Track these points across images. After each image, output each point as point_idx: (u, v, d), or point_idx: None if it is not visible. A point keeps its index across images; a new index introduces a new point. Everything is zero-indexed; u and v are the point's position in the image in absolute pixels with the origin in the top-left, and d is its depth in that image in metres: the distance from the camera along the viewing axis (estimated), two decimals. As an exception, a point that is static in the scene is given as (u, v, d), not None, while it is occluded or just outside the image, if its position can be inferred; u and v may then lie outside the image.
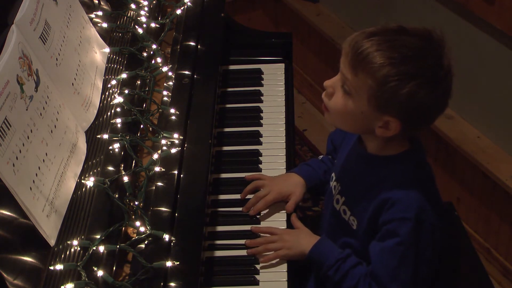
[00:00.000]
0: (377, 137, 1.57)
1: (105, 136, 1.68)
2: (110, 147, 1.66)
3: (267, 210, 1.82)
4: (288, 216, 1.81)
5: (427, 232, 1.54)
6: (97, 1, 2.05)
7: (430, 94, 1.46)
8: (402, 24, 1.51)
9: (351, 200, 1.66)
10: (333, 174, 1.76)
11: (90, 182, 1.57)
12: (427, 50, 1.47)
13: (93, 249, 1.44)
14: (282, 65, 2.28)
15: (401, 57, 1.45)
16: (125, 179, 1.58)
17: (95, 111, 1.77)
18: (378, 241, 1.57)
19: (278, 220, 1.80)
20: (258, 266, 1.68)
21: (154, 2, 2.13)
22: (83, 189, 1.58)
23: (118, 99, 1.76)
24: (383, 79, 1.45)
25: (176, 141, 1.72)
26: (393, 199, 1.54)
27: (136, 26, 1.99)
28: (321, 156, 1.93)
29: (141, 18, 2.03)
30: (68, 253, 1.45)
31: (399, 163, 1.58)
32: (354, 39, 1.51)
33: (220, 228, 1.77)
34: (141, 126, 1.76)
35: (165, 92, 1.87)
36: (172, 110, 1.79)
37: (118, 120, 1.72)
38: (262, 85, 2.20)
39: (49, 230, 1.45)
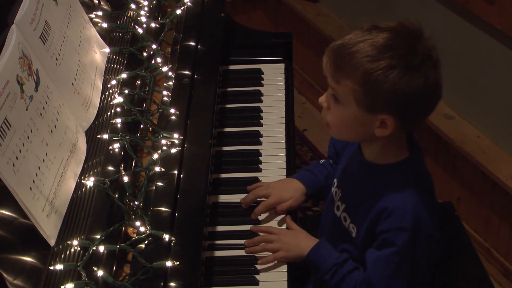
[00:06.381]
0: (374, 143, 1.57)
1: (105, 136, 1.68)
2: (110, 147, 1.66)
3: (267, 214, 1.81)
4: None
5: (423, 242, 1.53)
6: (97, 1, 2.05)
7: (411, 82, 1.45)
8: (374, 23, 1.52)
9: (351, 207, 1.66)
10: (335, 180, 1.75)
11: (90, 182, 1.57)
12: (397, 40, 1.47)
13: (93, 249, 1.44)
14: (282, 65, 2.28)
15: (374, 53, 1.45)
16: (125, 179, 1.58)
17: (95, 111, 1.77)
18: (374, 249, 1.57)
19: (277, 221, 1.80)
20: (258, 266, 1.68)
21: (154, 2, 2.13)
22: (83, 189, 1.58)
23: (118, 99, 1.76)
24: (362, 78, 1.46)
25: (176, 141, 1.72)
26: (391, 209, 1.54)
27: (136, 26, 1.99)
28: (322, 160, 1.92)
29: (141, 18, 2.03)
30: (68, 253, 1.45)
31: (397, 172, 1.57)
32: (329, 50, 1.53)
33: (220, 228, 1.77)
34: (141, 126, 1.76)
35: (165, 92, 1.87)
36: (172, 110, 1.79)
37: (118, 120, 1.72)
38: (262, 85, 2.20)
39: (49, 230, 1.45)
